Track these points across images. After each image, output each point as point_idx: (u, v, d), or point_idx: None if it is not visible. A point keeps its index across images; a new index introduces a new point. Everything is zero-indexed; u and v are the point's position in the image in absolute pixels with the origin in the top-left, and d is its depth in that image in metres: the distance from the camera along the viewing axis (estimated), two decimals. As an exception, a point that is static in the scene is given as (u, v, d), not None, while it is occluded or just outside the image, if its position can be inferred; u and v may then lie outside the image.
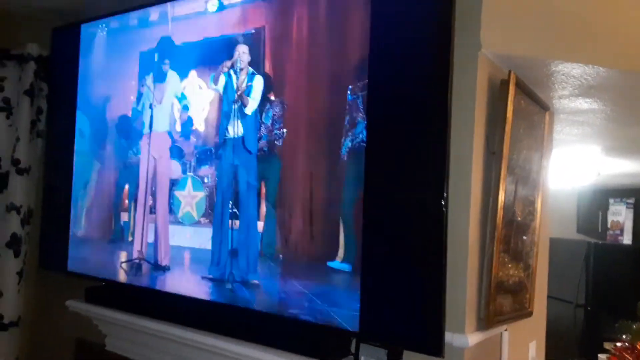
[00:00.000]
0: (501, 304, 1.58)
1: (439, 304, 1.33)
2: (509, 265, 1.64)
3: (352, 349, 1.54)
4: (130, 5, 2.08)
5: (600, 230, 4.96)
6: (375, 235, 1.44)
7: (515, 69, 1.60)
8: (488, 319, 1.49)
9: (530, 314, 1.79)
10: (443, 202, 1.33)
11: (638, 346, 1.71)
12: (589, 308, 4.11)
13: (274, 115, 1.64)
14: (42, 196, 2.43)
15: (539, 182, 1.82)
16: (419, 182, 1.38)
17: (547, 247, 2.14)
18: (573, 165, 3.26)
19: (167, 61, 1.94)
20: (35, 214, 2.50)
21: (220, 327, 1.72)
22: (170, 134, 1.93)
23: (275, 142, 1.63)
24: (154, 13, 2.00)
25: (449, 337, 1.42)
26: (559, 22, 1.59)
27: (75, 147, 2.24)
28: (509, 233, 1.63)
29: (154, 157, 1.96)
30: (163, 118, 1.95)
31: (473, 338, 1.45)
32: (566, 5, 1.61)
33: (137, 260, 1.96)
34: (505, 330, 1.66)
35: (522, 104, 1.64)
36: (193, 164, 1.86)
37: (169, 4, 1.95)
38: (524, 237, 1.74)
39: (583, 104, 1.97)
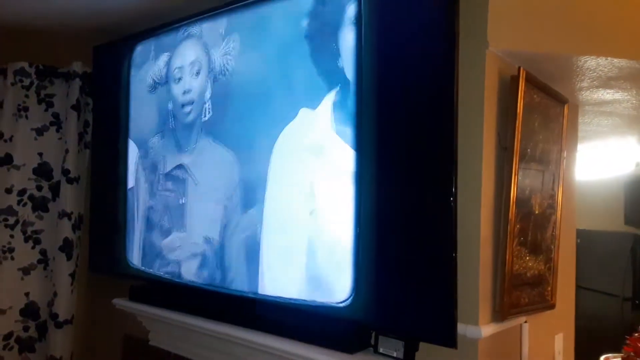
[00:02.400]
0: (518, 296, 1.61)
1: (451, 297, 1.37)
2: (527, 258, 1.66)
3: (373, 342, 1.61)
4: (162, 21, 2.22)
5: (650, 221, 4.77)
6: (387, 232, 1.50)
7: (528, 63, 1.62)
8: (503, 311, 1.53)
9: (552, 307, 1.80)
10: (452, 198, 1.37)
11: (652, 336, 1.70)
12: (637, 302, 3.99)
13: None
14: (90, 203, 2.61)
15: (559, 174, 1.82)
16: (429, 179, 1.43)
17: (574, 239, 2.14)
18: (609, 157, 3.19)
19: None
20: (85, 220, 2.68)
21: (246, 320, 1.82)
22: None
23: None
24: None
25: (462, 328, 1.47)
26: (567, 16, 1.60)
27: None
28: (526, 226, 1.66)
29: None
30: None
31: (487, 330, 1.48)
32: (573, -1, 1.62)
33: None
34: (525, 322, 1.68)
35: (535, 99, 1.66)
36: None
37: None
38: (544, 231, 1.76)
39: (605, 95, 1.96)
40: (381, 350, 1.57)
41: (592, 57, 1.60)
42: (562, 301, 1.95)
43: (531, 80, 1.61)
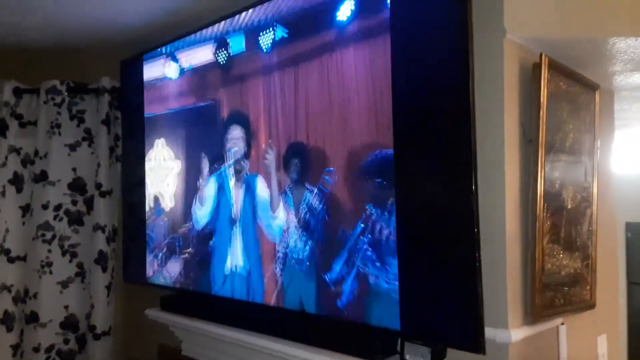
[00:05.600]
0: (552, 297, 1.51)
1: (475, 299, 1.30)
2: (561, 256, 1.56)
3: (399, 348, 1.55)
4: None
5: None
6: (409, 234, 1.44)
7: (552, 50, 1.54)
8: (535, 313, 1.44)
9: (592, 307, 1.69)
10: (472, 195, 1.30)
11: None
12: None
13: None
14: (122, 216, 2.66)
15: (593, 166, 1.71)
16: (447, 177, 1.36)
17: (615, 233, 2.01)
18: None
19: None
20: (120, 231, 2.73)
21: (274, 329, 1.79)
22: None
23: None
24: (200, 37, 2.14)
25: (491, 333, 1.39)
26: (590, -4, 1.50)
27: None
28: (558, 222, 1.56)
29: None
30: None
31: (518, 333, 1.40)
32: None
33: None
34: (562, 324, 1.58)
35: (561, 86, 1.56)
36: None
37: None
38: (579, 226, 1.65)
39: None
40: (407, 357, 1.50)
41: (620, 38, 1.49)
42: (605, 300, 1.84)
43: (556, 67, 1.52)
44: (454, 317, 1.36)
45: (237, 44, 2.00)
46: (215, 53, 2.09)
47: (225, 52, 2.05)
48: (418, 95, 1.42)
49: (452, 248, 1.36)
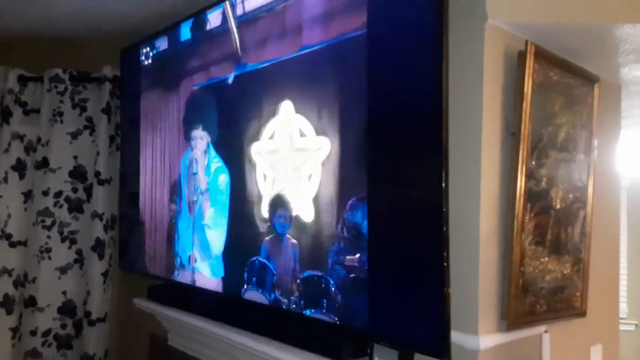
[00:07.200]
0: (533, 302, 1.41)
1: (441, 302, 1.22)
2: (546, 259, 1.46)
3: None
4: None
5: None
6: (379, 234, 1.36)
7: (544, 38, 1.43)
8: (510, 319, 1.34)
9: (582, 314, 1.57)
10: (441, 191, 1.21)
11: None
12: None
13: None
14: (119, 204, 2.65)
15: (589, 164, 1.59)
16: (416, 170, 1.28)
17: (617, 238, 1.87)
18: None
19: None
20: (118, 220, 2.72)
21: (246, 324, 1.74)
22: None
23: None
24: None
25: (460, 338, 1.30)
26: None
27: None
28: (544, 223, 1.46)
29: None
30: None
31: (488, 340, 1.31)
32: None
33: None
34: (546, 332, 1.47)
35: (552, 77, 1.45)
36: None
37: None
38: (570, 228, 1.54)
39: (648, 71, 1.69)
40: (376, 359, 1.43)
41: (617, 25, 1.37)
42: (601, 308, 1.71)
43: (545, 57, 1.41)
44: (419, 320, 1.28)
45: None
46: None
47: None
48: (385, 79, 1.33)
49: (419, 247, 1.27)
